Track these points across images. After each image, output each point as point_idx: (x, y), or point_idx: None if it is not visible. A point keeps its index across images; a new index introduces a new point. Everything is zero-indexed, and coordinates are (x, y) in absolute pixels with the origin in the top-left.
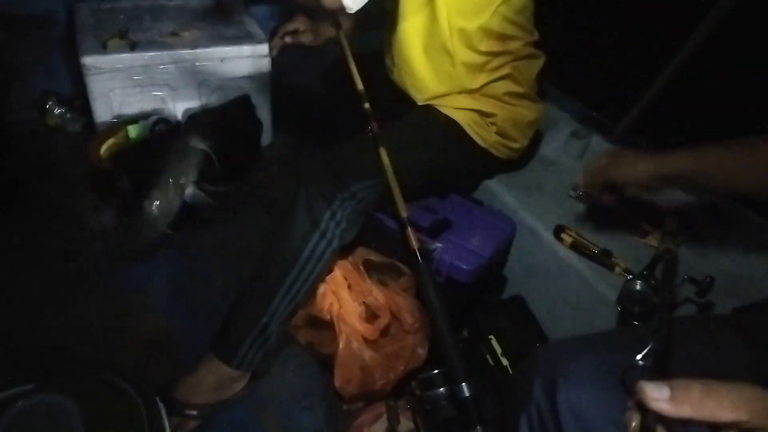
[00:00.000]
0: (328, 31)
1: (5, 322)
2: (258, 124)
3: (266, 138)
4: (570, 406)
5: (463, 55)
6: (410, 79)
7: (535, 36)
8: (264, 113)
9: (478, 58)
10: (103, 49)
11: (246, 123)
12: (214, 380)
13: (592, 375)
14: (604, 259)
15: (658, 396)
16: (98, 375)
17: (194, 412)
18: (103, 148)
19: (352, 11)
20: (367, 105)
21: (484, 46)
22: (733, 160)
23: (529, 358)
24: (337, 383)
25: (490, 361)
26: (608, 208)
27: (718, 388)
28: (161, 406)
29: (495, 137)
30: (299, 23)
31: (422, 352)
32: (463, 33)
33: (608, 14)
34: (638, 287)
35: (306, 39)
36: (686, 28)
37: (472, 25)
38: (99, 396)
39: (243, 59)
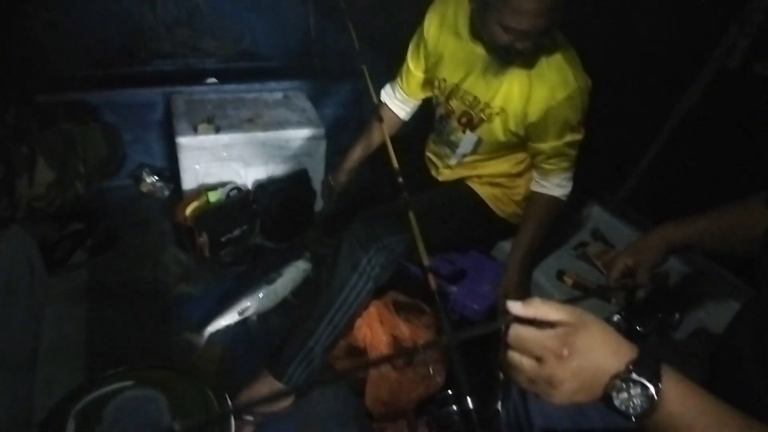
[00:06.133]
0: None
1: (107, 343)
2: (312, 193)
3: (319, 204)
4: (537, 405)
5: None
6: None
7: None
8: (318, 184)
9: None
10: (194, 131)
11: (302, 192)
12: (267, 393)
13: None
14: (602, 293)
15: (513, 306)
16: (182, 376)
17: (251, 418)
18: (188, 210)
19: None
20: (400, 179)
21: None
22: (727, 222)
23: None
24: (368, 402)
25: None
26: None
27: (549, 301)
28: (230, 401)
29: (513, 208)
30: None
31: (440, 379)
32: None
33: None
34: (615, 319)
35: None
36: (671, 100)
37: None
38: (182, 392)
39: (303, 140)
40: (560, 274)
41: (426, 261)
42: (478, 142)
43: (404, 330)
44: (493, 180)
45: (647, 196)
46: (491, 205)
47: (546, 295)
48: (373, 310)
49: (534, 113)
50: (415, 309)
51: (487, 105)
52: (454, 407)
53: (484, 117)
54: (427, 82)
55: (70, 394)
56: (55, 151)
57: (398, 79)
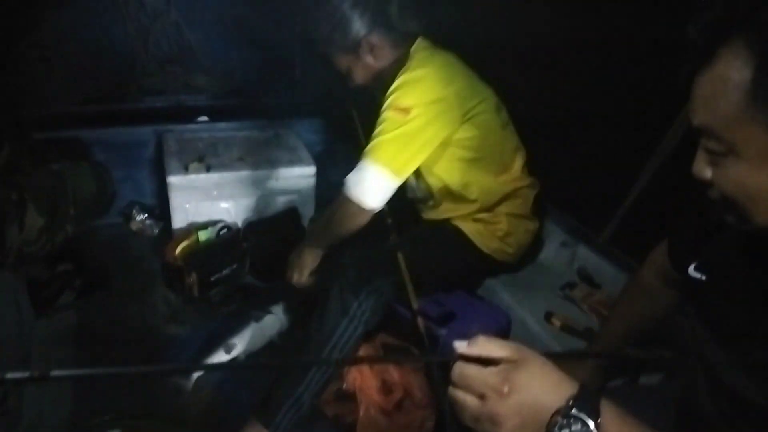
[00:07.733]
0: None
1: (94, 386)
2: (302, 231)
3: None
4: None
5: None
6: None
7: (521, 173)
8: (307, 221)
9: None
10: (185, 170)
11: (292, 230)
12: None
13: None
14: (588, 335)
15: (460, 345)
16: (169, 425)
17: None
18: (178, 249)
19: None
20: (389, 220)
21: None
22: (629, 316)
23: None
24: None
25: None
26: None
27: (494, 339)
28: None
29: (497, 244)
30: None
31: (430, 425)
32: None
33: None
34: None
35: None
36: (654, 139)
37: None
38: None
39: (293, 178)
40: (548, 316)
41: (415, 304)
42: (418, 182)
43: (394, 373)
44: (474, 216)
45: (633, 234)
46: (476, 242)
47: (534, 338)
48: (362, 353)
49: None
50: (405, 352)
51: None
52: None
53: None
54: None
55: None
56: (45, 194)
57: None
